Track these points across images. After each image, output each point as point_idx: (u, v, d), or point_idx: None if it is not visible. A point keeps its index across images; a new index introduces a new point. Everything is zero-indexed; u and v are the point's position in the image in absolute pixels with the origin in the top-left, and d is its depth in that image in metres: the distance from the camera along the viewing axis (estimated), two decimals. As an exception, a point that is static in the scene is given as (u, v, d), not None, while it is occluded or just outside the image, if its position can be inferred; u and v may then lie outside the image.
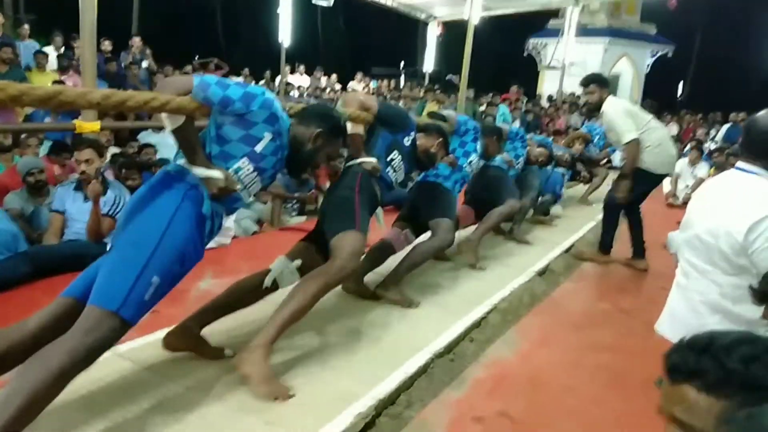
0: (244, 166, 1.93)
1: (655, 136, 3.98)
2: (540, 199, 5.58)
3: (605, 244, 4.37)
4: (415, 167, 3.16)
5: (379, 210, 2.76)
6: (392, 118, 2.86)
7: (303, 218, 5.34)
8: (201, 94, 1.79)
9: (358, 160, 2.66)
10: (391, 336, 2.68)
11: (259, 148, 1.92)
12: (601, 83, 4.04)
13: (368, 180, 2.63)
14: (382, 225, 2.82)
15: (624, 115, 3.93)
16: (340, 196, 2.58)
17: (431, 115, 3.87)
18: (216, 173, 1.84)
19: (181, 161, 1.89)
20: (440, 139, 3.17)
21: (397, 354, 2.47)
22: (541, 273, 3.98)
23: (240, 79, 11.02)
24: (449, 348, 2.64)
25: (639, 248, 4.22)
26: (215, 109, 1.84)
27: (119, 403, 1.94)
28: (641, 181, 4.04)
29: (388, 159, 2.80)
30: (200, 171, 1.84)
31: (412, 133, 2.97)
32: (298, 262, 2.41)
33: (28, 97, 1.44)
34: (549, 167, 5.55)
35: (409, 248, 3.34)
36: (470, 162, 3.76)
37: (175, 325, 2.25)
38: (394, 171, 2.85)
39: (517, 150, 4.75)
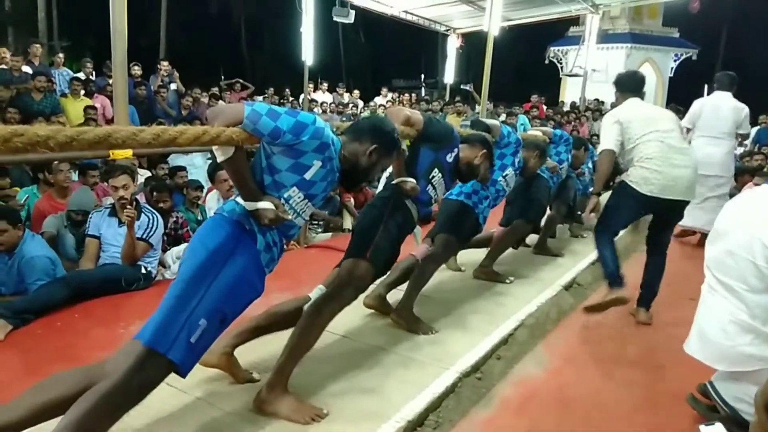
0: (294, 194, 1.92)
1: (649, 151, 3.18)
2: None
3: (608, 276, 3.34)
4: (455, 180, 3.08)
5: (417, 229, 2.73)
6: (437, 135, 2.77)
7: (328, 235, 5.41)
8: (251, 126, 1.77)
9: (397, 180, 2.62)
10: (417, 355, 2.70)
11: (308, 175, 1.90)
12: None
13: (401, 203, 2.61)
14: (419, 244, 2.80)
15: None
16: (369, 216, 2.60)
17: (474, 124, 3.74)
18: (266, 205, 1.83)
19: (236, 198, 1.91)
20: (484, 151, 3.07)
21: (424, 374, 2.50)
22: (568, 287, 3.96)
23: (262, 98, 11.25)
24: (476, 366, 2.65)
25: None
26: (265, 140, 1.83)
27: (149, 422, 2.01)
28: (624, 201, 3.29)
29: (429, 177, 2.76)
30: (250, 205, 1.84)
31: (456, 150, 2.90)
32: None
33: (78, 143, 1.44)
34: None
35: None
36: (505, 176, 3.65)
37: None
38: (434, 188, 2.82)
39: (561, 155, 4.55)
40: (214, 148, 1.81)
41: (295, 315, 2.38)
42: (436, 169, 2.78)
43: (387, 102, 12.57)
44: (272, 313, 2.40)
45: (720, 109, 5.04)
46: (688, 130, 5.08)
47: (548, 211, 4.73)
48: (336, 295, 2.32)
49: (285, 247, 2.08)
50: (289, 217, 1.92)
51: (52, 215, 4.03)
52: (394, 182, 2.63)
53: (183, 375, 1.73)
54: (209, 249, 1.78)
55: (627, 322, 3.45)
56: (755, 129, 11.18)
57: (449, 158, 2.84)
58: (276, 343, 2.48)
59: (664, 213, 3.32)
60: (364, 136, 2.10)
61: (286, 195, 1.91)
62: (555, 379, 2.64)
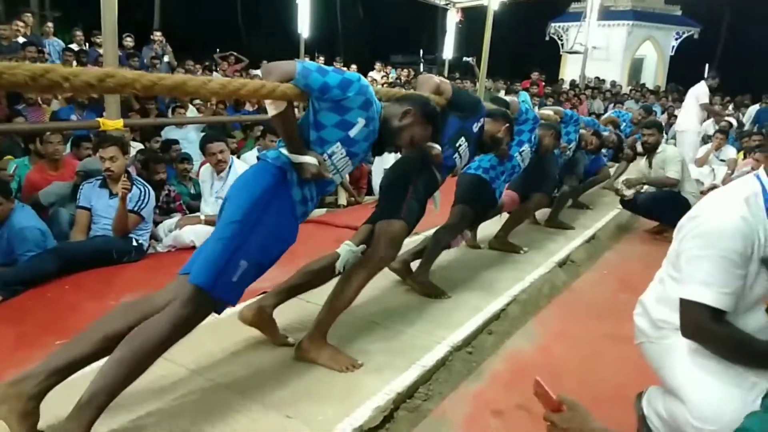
0: (338, 150, 2.02)
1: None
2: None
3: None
4: (479, 152, 3.16)
5: (437, 194, 2.78)
6: (464, 103, 2.88)
7: (323, 210, 5.39)
8: (302, 81, 1.87)
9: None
10: (409, 329, 2.70)
11: (352, 133, 2.00)
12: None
13: (427, 164, 2.64)
14: (438, 209, 2.83)
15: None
16: (398, 177, 2.65)
17: (494, 100, 3.83)
18: (310, 159, 1.94)
19: (280, 148, 2.00)
20: (507, 125, 3.16)
21: (415, 347, 2.49)
22: (562, 263, 3.95)
23: (259, 72, 11.10)
24: (468, 341, 2.65)
25: None
26: (314, 95, 1.92)
27: (140, 395, 2.00)
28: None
29: (456, 145, 2.84)
30: (295, 157, 1.94)
31: (482, 120, 2.99)
32: (362, 247, 2.48)
33: (158, 87, 1.58)
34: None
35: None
36: (522, 152, 3.73)
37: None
38: (460, 156, 2.89)
39: (570, 135, 4.68)
40: (266, 103, 1.91)
41: (327, 271, 2.47)
42: (462, 138, 2.87)
43: (381, 77, 12.41)
44: (306, 271, 2.48)
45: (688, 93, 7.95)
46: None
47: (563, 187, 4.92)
48: (376, 255, 2.37)
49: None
50: (329, 175, 2.02)
51: (56, 182, 3.99)
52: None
53: (219, 312, 1.86)
54: (251, 194, 1.88)
55: (620, 298, 3.45)
56: (755, 109, 11.09)
57: (475, 128, 2.94)
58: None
59: None
60: (404, 101, 2.23)
61: (329, 151, 2.02)
62: (546, 354, 2.64)
